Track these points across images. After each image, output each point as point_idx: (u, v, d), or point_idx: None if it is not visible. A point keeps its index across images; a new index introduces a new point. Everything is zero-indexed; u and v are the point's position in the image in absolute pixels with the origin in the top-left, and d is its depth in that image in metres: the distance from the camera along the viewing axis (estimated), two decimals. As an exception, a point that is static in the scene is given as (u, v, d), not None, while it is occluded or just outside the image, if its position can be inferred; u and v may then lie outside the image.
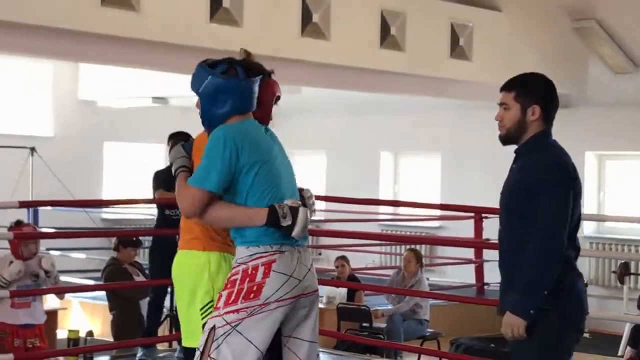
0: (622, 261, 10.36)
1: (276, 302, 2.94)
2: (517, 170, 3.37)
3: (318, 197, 10.72)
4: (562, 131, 9.54)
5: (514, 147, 3.47)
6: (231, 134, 3.02)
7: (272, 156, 3.15)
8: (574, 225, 3.25)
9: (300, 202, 3.02)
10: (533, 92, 3.26)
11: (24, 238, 6.65)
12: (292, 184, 3.22)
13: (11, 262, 6.49)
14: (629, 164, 12.23)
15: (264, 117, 3.39)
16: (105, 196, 13.26)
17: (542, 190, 3.18)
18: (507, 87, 3.33)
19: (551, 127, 3.35)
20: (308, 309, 3.09)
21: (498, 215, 6.66)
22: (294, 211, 2.89)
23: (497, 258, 4.01)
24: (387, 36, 9.94)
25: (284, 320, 3.00)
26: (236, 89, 3.05)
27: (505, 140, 3.41)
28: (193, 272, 3.35)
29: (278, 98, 3.46)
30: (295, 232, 2.89)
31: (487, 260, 9.89)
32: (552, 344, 3.18)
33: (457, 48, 10.44)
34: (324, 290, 9.43)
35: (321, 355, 7.13)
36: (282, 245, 2.95)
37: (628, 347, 6.92)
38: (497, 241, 6.20)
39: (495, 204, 4.79)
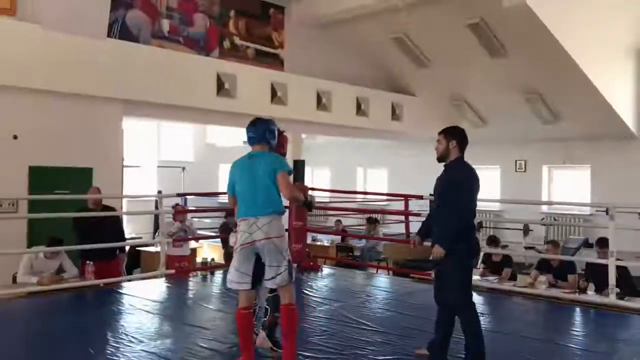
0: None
1: (240, 247, 3.66)
2: (445, 176, 3.93)
3: (327, 190, 13.86)
4: None
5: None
6: (232, 164, 3.85)
7: (242, 178, 3.75)
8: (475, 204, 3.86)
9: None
10: (452, 134, 3.88)
11: (178, 212, 8.39)
12: (250, 198, 3.69)
13: (173, 223, 8.23)
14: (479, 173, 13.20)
15: (282, 152, 4.27)
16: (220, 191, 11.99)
17: (458, 186, 3.80)
18: (441, 131, 3.94)
19: (463, 154, 3.90)
20: (262, 249, 3.62)
21: (422, 198, 8.70)
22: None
23: (414, 220, 6.56)
24: (360, 108, 12.50)
25: (259, 254, 3.65)
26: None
27: (439, 159, 3.95)
28: None
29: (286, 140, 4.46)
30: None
31: (411, 221, 11.33)
32: (463, 264, 3.84)
33: (395, 115, 13.24)
34: (330, 237, 11.64)
35: (327, 269, 7.94)
36: (242, 218, 3.66)
37: (535, 270, 6.80)
38: (415, 212, 8.60)
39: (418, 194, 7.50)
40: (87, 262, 6.35)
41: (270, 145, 3.81)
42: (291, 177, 3.85)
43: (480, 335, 3.88)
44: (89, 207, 6.69)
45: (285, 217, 4.88)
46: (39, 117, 8.17)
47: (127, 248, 7.94)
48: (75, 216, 6.49)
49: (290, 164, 4.58)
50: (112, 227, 6.74)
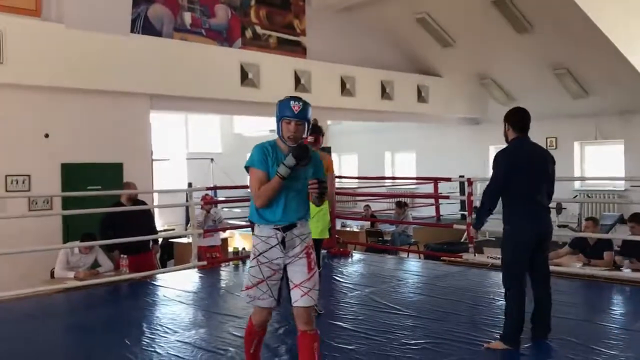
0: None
1: None
2: None
3: (354, 177, 13.96)
4: (475, 136, 13.49)
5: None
6: None
7: None
8: (523, 185, 3.78)
9: None
10: (506, 117, 3.93)
11: (206, 203, 8.67)
12: None
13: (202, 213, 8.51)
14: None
15: (317, 145, 4.51)
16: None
17: (492, 169, 3.90)
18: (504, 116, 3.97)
19: (523, 134, 3.88)
20: None
21: (449, 180, 9.43)
22: None
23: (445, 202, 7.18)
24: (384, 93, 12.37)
25: None
26: None
27: (505, 141, 3.99)
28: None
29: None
30: None
31: (441, 204, 11.81)
32: (507, 245, 3.89)
33: (421, 97, 13.04)
34: (359, 222, 11.68)
35: (358, 255, 8.08)
36: None
37: (567, 247, 6.72)
38: (445, 194, 9.51)
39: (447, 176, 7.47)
40: (122, 255, 6.46)
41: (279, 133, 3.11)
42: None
43: (512, 319, 3.81)
44: (122, 202, 6.85)
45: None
46: (68, 115, 8.35)
47: (160, 240, 8.01)
48: (108, 212, 6.63)
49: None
50: (145, 220, 6.88)
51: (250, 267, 3.11)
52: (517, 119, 3.87)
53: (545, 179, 3.86)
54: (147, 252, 6.88)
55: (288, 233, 3.04)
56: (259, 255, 3.06)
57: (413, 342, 4.03)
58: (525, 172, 3.76)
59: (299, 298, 3.04)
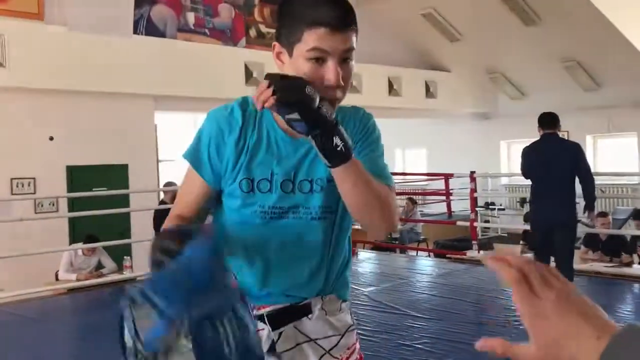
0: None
1: None
2: None
3: None
4: (488, 130, 13.28)
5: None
6: None
7: None
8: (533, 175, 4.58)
9: None
10: (538, 119, 4.67)
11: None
12: None
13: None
14: (521, 146, 12.49)
15: None
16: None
17: None
18: None
19: (548, 131, 4.49)
20: None
21: (451, 177, 9.58)
22: None
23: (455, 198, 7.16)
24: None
25: None
26: None
27: None
28: None
29: None
30: None
31: (452, 200, 11.74)
32: (532, 223, 4.70)
33: (429, 93, 12.85)
34: None
35: (365, 253, 7.95)
36: None
37: (583, 247, 6.49)
38: (456, 189, 9.43)
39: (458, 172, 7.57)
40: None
41: None
42: None
43: None
44: (165, 201, 7.40)
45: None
46: (73, 117, 8.41)
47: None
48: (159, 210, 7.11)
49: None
50: None
51: None
52: (540, 119, 4.59)
53: (561, 170, 4.28)
54: None
55: (286, 330, 1.38)
56: None
57: (408, 342, 3.97)
58: (537, 164, 4.36)
59: None
